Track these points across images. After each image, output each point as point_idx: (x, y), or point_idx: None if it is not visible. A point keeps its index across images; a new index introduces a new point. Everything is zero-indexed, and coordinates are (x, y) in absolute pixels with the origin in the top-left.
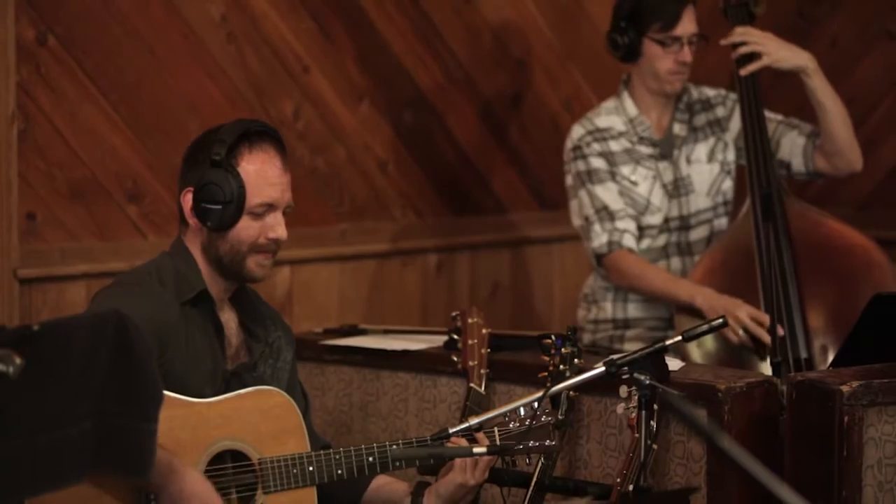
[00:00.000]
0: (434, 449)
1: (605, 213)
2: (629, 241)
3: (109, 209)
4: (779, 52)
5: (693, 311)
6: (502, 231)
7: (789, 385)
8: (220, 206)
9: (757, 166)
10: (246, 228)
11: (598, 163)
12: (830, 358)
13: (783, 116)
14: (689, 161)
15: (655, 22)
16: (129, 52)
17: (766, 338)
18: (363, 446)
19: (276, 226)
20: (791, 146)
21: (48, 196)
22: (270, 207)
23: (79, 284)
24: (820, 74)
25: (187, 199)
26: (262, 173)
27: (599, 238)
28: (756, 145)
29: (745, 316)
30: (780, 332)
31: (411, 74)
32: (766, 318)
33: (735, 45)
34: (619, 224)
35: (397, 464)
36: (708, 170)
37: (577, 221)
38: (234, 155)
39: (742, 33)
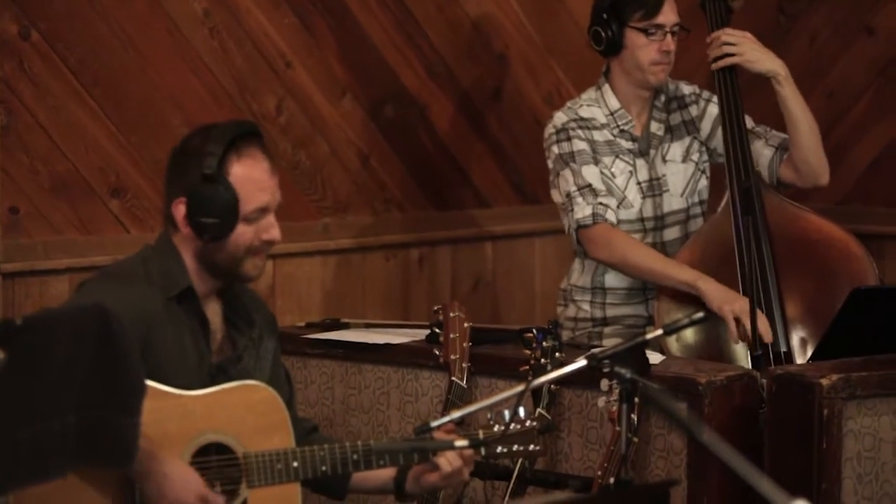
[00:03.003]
0: (417, 443)
1: (589, 190)
2: (612, 217)
3: (92, 203)
4: (752, 54)
5: (677, 300)
6: (484, 225)
7: (769, 378)
8: (216, 220)
9: (735, 160)
10: (242, 234)
11: (582, 145)
12: (810, 351)
13: (754, 124)
14: (664, 160)
15: (637, 11)
16: (113, 47)
17: (768, 337)
18: (347, 443)
19: (270, 227)
20: (757, 156)
21: (31, 190)
22: (264, 211)
23: (62, 278)
24: (791, 83)
25: (179, 209)
26: (253, 180)
27: (583, 210)
28: (734, 138)
29: (746, 313)
30: (768, 338)
31: (393, 69)
32: (764, 318)
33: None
34: (603, 200)
35: (381, 461)
36: (682, 170)
37: (558, 199)
38: (223, 165)
39: (720, 34)
